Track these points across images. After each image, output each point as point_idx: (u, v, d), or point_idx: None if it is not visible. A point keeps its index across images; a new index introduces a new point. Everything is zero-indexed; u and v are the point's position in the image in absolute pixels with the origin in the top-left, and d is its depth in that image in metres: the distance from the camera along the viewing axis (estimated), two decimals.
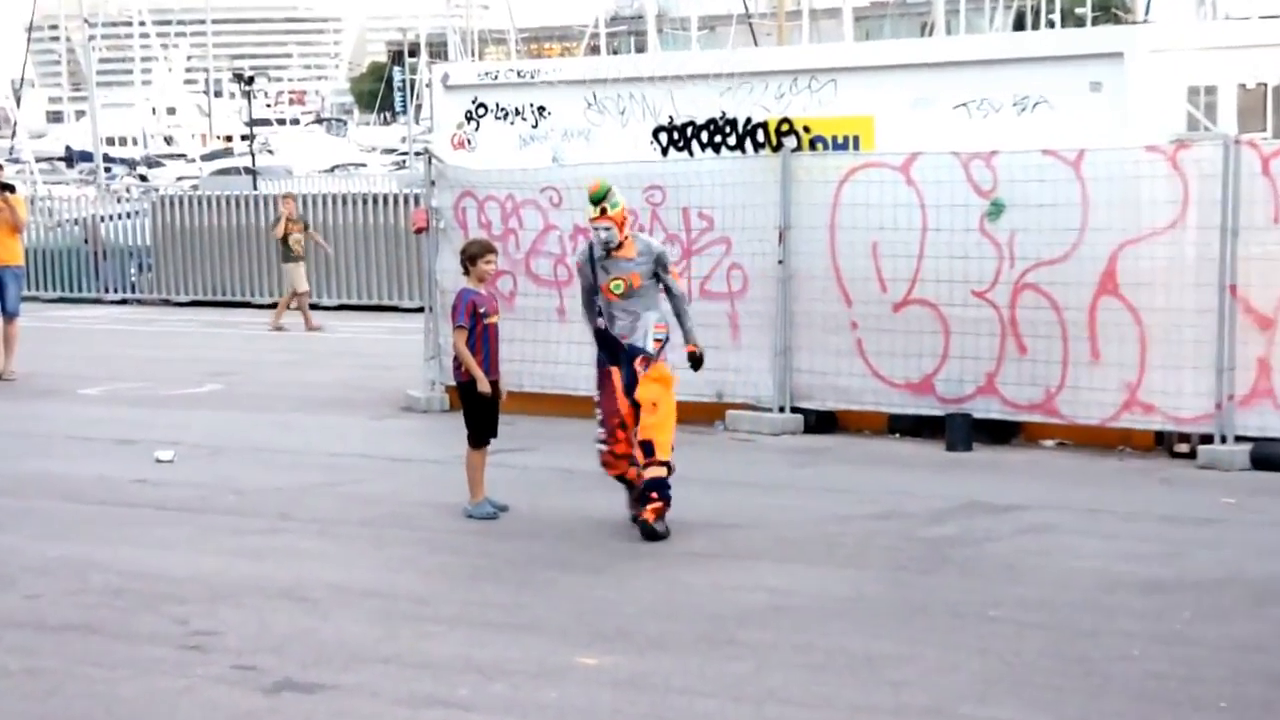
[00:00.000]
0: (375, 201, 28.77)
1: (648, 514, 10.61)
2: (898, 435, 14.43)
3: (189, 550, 10.66)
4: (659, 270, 10.97)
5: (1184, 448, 13.23)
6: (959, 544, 10.52)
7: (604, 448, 11.03)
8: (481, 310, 11.42)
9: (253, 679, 7.89)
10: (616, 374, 10.87)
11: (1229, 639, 8.29)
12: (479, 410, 11.45)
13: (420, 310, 17.59)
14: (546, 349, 15.91)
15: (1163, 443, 13.48)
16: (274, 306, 27.43)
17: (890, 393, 14.38)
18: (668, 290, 11.05)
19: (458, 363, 11.51)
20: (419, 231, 16.98)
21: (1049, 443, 13.95)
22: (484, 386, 11.32)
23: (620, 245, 10.90)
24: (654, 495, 10.62)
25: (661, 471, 10.64)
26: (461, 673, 7.89)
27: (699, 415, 14.69)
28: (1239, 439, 12.94)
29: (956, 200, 13.94)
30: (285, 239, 24.95)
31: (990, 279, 13.85)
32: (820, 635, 8.47)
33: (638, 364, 10.78)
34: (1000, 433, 14.00)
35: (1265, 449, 12.84)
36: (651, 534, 10.56)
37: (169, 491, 12.59)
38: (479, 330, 11.39)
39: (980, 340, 13.91)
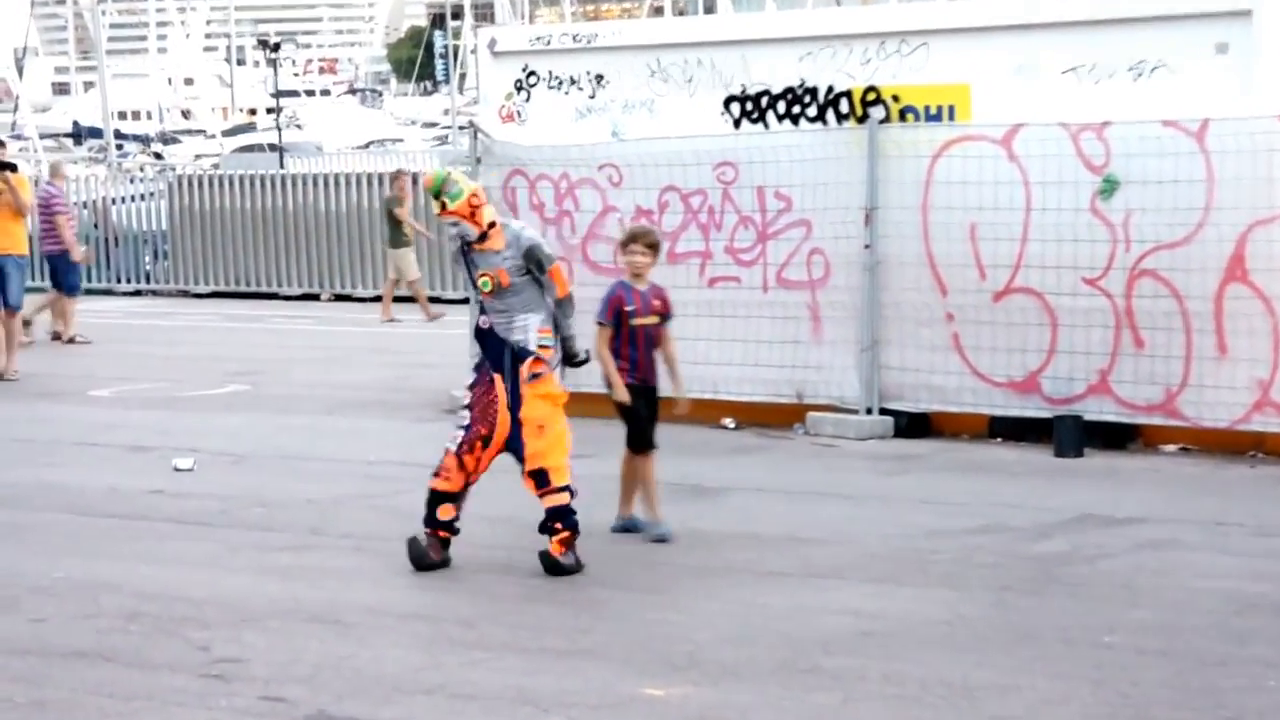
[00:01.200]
0: (415, 181, 28.86)
1: (555, 546, 10.36)
2: (999, 440, 14.40)
3: (210, 569, 10.71)
4: (531, 268, 10.48)
5: None
6: (1069, 562, 10.47)
7: (452, 448, 10.61)
8: (628, 309, 11.14)
9: (282, 711, 7.92)
10: (500, 382, 10.53)
11: None
12: (627, 417, 11.22)
13: (464, 301, 17.64)
14: None
15: None
16: (304, 298, 27.68)
17: (991, 392, 14.34)
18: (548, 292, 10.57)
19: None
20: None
21: (1170, 448, 13.89)
22: (620, 396, 11.05)
23: (483, 238, 10.50)
24: (559, 525, 10.38)
25: (564, 498, 10.39)
26: (513, 705, 7.90)
27: (776, 418, 14.68)
28: None
29: (1065, 177, 13.90)
30: (397, 222, 25.09)
31: (1103, 265, 13.79)
32: (913, 663, 8.44)
33: (524, 375, 10.48)
34: (1115, 437, 13.94)
35: None
36: (558, 568, 10.32)
37: (188, 503, 12.66)
38: (625, 332, 11.12)
39: (1092, 333, 13.86)
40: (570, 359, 10.71)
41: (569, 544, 10.43)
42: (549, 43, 17.44)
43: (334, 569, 10.68)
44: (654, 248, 11.37)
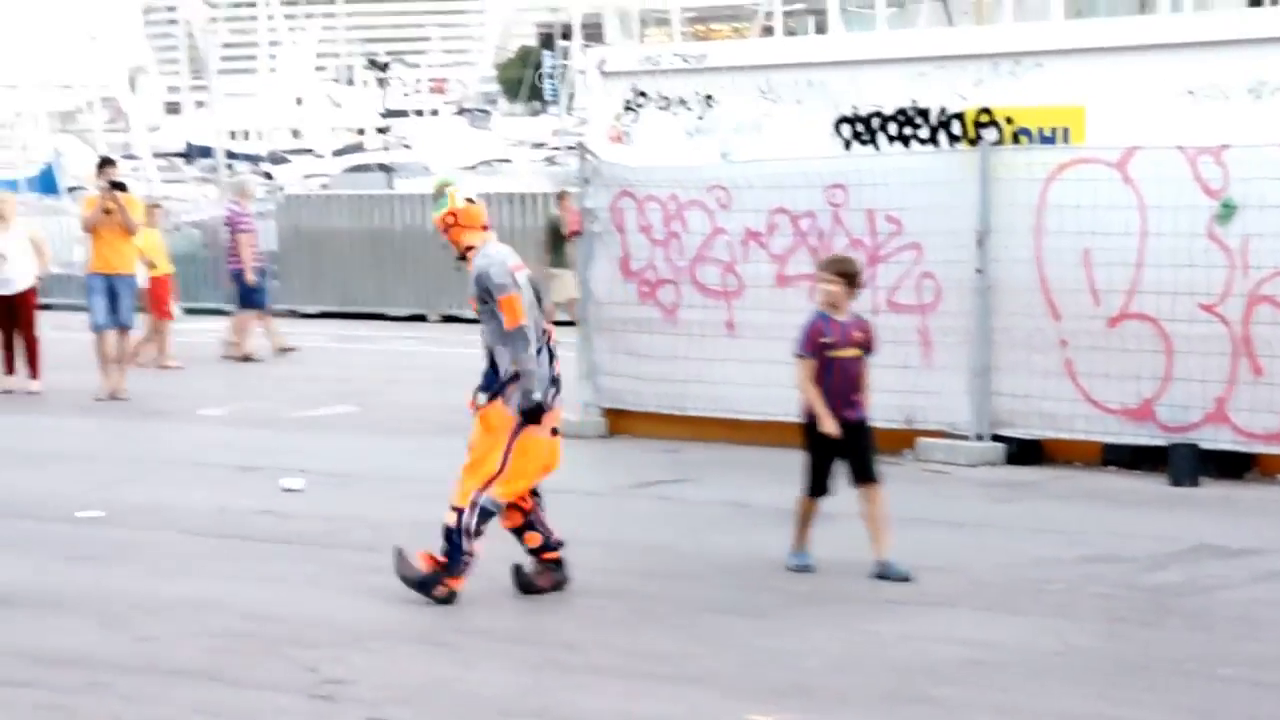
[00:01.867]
0: (523, 201, 29.01)
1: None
2: (1113, 468, 14.30)
3: (318, 589, 10.80)
4: (485, 296, 10.34)
5: None
6: (1184, 593, 10.39)
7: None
8: (827, 340, 10.81)
9: None
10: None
11: None
12: (816, 452, 10.87)
13: (572, 324, 17.70)
14: (712, 368, 15.98)
15: None
16: (412, 319, 27.83)
17: (1105, 419, 14.25)
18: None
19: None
20: (573, 235, 17.10)
21: None
22: (827, 427, 10.69)
23: (462, 259, 10.55)
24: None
25: (450, 517, 10.36)
26: None
27: (886, 443, 14.58)
28: None
29: (1181, 201, 13.80)
30: (560, 242, 24.96)
31: (1220, 290, 13.68)
32: (1024, 694, 8.40)
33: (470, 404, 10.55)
34: (1232, 466, 13.81)
35: None
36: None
37: (296, 524, 12.77)
38: (821, 364, 10.80)
39: (1209, 360, 13.75)
40: (521, 409, 10.30)
41: (434, 564, 10.34)
42: (658, 63, 17.49)
43: None
44: (845, 276, 10.90)
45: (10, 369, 20.76)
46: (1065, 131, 15.06)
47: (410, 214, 29.95)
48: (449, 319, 29.26)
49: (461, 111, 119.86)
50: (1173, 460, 13.78)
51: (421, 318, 29.53)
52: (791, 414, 15.56)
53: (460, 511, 10.36)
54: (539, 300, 10.81)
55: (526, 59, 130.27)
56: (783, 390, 15.48)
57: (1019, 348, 14.58)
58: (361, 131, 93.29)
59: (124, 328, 20.09)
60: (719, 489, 13.84)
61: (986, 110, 15.30)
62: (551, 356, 10.67)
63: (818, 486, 10.91)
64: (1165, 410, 13.97)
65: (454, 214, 10.57)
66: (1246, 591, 10.40)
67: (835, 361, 10.79)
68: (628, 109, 17.45)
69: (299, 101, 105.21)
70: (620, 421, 16.55)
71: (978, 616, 9.91)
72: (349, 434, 17.17)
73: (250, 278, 23.85)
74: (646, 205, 16.39)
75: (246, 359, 23.61)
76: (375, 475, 14.81)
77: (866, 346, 10.94)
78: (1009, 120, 15.20)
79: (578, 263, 17.11)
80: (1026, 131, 15.16)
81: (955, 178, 14.80)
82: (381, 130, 71.15)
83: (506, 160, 71.21)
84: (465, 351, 24.23)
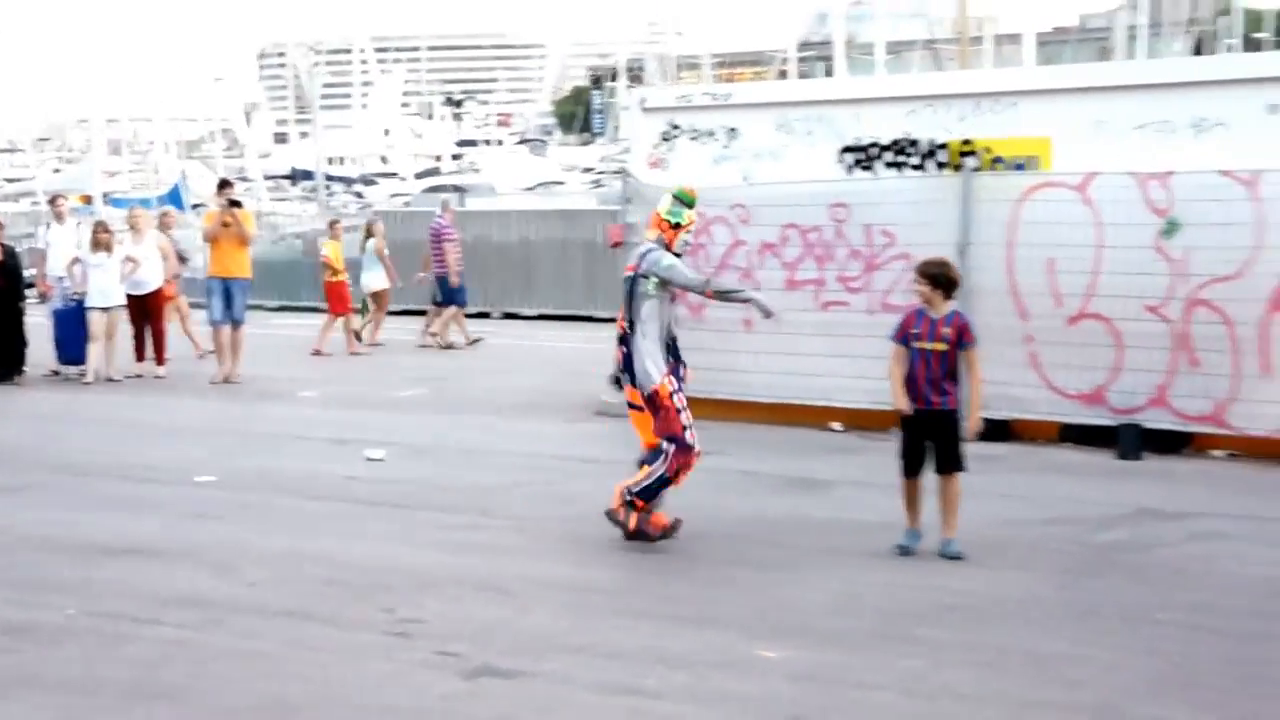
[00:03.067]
0: (574, 217, 29.04)
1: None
2: (1069, 444, 14.26)
3: (396, 543, 10.84)
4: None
5: None
6: (1128, 549, 10.37)
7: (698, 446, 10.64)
8: (913, 331, 10.28)
9: (454, 664, 8.01)
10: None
11: None
12: (905, 434, 10.31)
13: (613, 320, 17.70)
14: (735, 358, 15.96)
15: None
16: (479, 315, 27.82)
17: (1063, 403, 14.22)
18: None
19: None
20: (615, 246, 17.11)
21: (1218, 453, 13.70)
22: (900, 404, 10.17)
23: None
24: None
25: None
26: (649, 663, 7.95)
27: (877, 422, 14.61)
28: None
29: (1132, 219, 13.77)
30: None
31: (1164, 295, 13.64)
32: (992, 634, 8.40)
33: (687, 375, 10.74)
34: (1170, 443, 13.77)
35: None
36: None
37: (378, 488, 12.82)
38: (910, 354, 10.25)
39: (1152, 354, 13.71)
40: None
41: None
42: (691, 101, 17.48)
43: (500, 545, 10.77)
44: (932, 279, 10.25)
45: (141, 357, 20.89)
46: (1035, 160, 15.02)
47: (479, 226, 29.97)
48: (509, 315, 29.32)
49: (523, 141, 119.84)
50: (1120, 438, 13.75)
51: (485, 315, 29.57)
52: (800, 398, 15.62)
53: None
54: (630, 296, 10.80)
55: (579, 97, 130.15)
56: (792, 378, 15.56)
57: (992, 342, 14.46)
58: (439, 158, 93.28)
59: (237, 323, 20.17)
60: (736, 460, 13.85)
61: (968, 141, 15.27)
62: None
63: (909, 467, 10.28)
64: (1115, 396, 13.94)
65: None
66: (1181, 549, 10.37)
67: (921, 353, 10.21)
68: (664, 139, 17.45)
69: (386, 132, 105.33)
70: None
71: (953, 569, 9.89)
72: (424, 413, 17.20)
73: (455, 280, 24.09)
74: None
75: (449, 347, 23.85)
76: (445, 447, 14.84)
77: (957, 343, 10.18)
78: (987, 150, 15.16)
79: (620, 269, 17.07)
80: (1002, 159, 15.12)
81: (941, 198, 14.78)
82: (455, 157, 71.16)
83: (560, 182, 71.13)
84: (524, 344, 24.32)
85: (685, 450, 10.49)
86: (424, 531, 11.20)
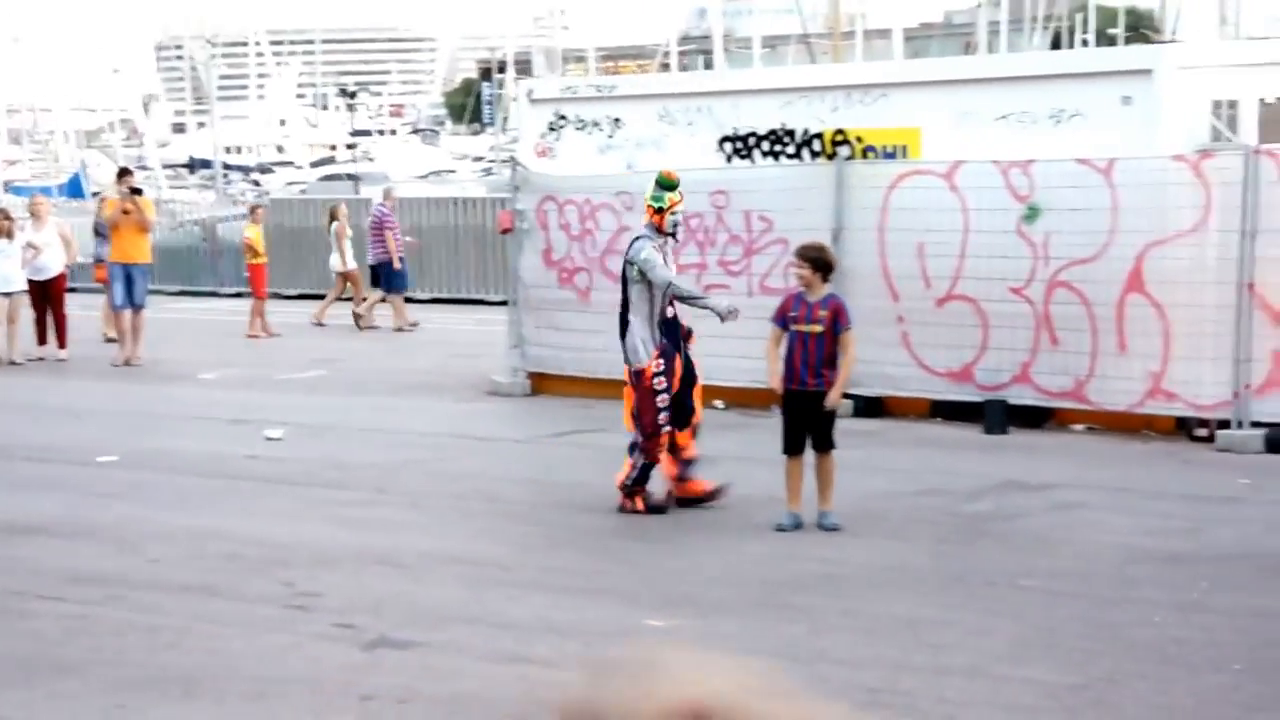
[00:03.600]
0: (465, 204, 28.88)
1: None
2: (939, 419, 14.36)
3: (295, 520, 10.74)
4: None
5: (1203, 432, 13.12)
6: (995, 519, 10.47)
7: (667, 427, 10.68)
8: (791, 314, 10.18)
9: (351, 636, 7.94)
10: (679, 360, 10.77)
11: (1244, 607, 8.22)
12: (785, 415, 10.25)
13: (504, 303, 17.64)
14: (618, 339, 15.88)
15: (1183, 428, 13.37)
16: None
17: (933, 380, 14.31)
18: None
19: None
20: (504, 232, 17.03)
21: (1078, 427, 13.87)
22: (773, 384, 10.17)
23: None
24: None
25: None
26: (540, 633, 7.92)
27: (757, 400, 14.66)
28: (1254, 424, 12.83)
29: (996, 205, 13.85)
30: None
31: (1026, 277, 13.76)
32: (867, 601, 8.45)
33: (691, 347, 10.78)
34: (1033, 418, 13.91)
35: (1278, 434, 12.72)
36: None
37: (278, 467, 12.69)
38: (788, 335, 10.17)
39: (1016, 333, 13.83)
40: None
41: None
42: (576, 92, 17.45)
43: (395, 521, 10.70)
44: (809, 261, 10.17)
45: (43, 340, 20.53)
46: (904, 149, 15.13)
47: (372, 213, 29.67)
48: (407, 300, 29.05)
49: (415, 131, 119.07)
50: (987, 413, 13.86)
51: (382, 299, 29.27)
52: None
53: None
54: (624, 277, 10.88)
55: (469, 89, 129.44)
56: None
57: (866, 323, 14.47)
58: (333, 147, 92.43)
59: (138, 307, 19.86)
60: (622, 437, 13.77)
61: (841, 131, 15.35)
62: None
63: (789, 446, 10.24)
64: (981, 373, 14.05)
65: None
66: (1044, 518, 10.48)
67: (799, 335, 10.12)
68: (551, 129, 17.41)
69: (282, 122, 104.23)
70: (543, 383, 16.50)
71: (830, 539, 9.93)
72: (321, 393, 17.04)
73: (396, 265, 23.94)
74: (565, 208, 16.33)
75: (400, 330, 23.62)
76: (343, 427, 14.70)
77: (833, 325, 10.11)
78: (859, 139, 15.25)
79: (510, 254, 17.02)
80: (873, 148, 15.21)
81: (815, 185, 14.82)
82: (350, 146, 70.48)
83: (452, 171, 70.83)
84: (419, 327, 24.15)
85: (652, 438, 10.55)
86: (322, 508, 11.10)
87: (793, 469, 10.29)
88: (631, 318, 10.65)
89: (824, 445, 10.24)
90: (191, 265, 31.32)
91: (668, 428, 10.59)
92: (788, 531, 10.10)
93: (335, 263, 24.89)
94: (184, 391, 17.35)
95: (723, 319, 10.60)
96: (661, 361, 10.57)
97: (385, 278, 24.13)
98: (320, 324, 24.12)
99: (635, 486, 10.68)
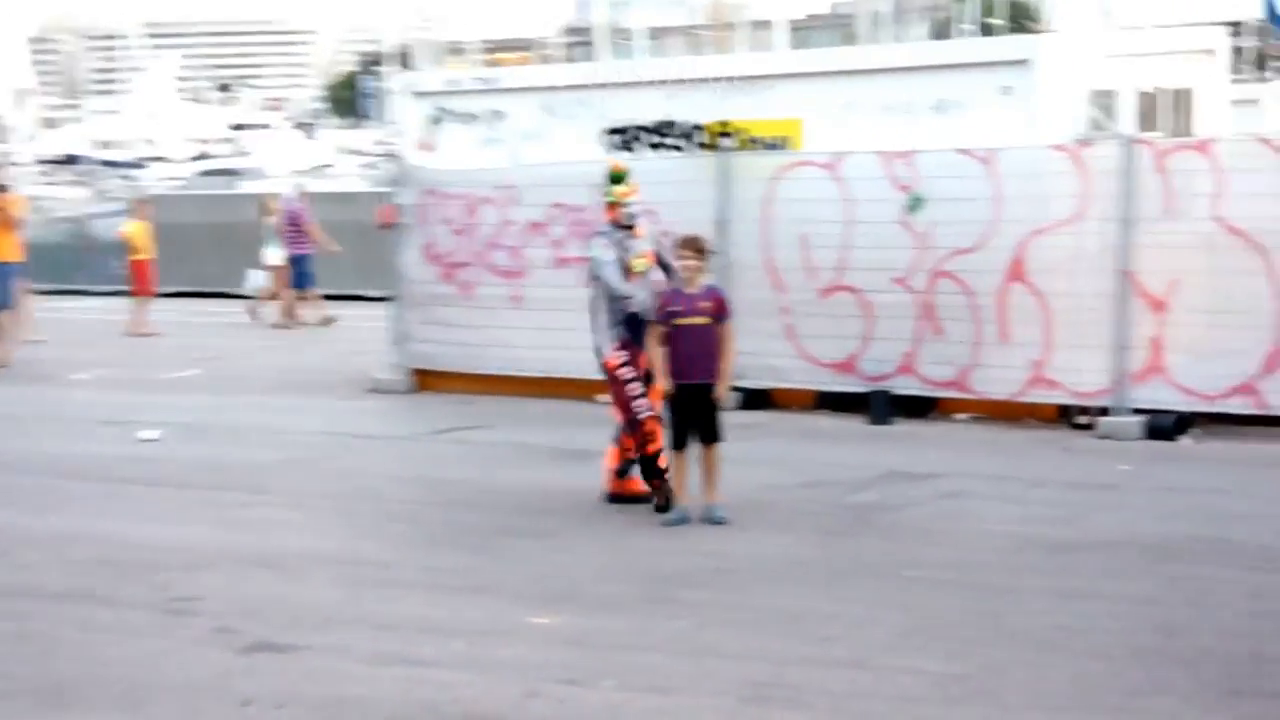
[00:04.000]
0: (345, 199, 28.66)
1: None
2: (825, 411, 14.45)
3: (171, 522, 10.58)
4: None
5: (1084, 420, 13.32)
6: (880, 510, 10.54)
7: (649, 414, 10.28)
8: (672, 309, 10.14)
9: (230, 640, 7.83)
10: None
11: (1125, 594, 8.33)
12: (671, 410, 10.19)
13: (386, 299, 17.52)
14: (504, 334, 15.87)
15: (1065, 415, 13.56)
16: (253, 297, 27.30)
17: (818, 372, 14.40)
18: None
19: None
20: (386, 227, 16.91)
21: (962, 416, 14.01)
22: (661, 384, 10.10)
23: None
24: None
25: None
26: (423, 632, 7.86)
27: None
28: (1134, 411, 13.04)
29: (879, 196, 13.97)
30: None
31: (909, 267, 13.88)
32: (754, 595, 8.46)
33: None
34: (918, 408, 14.05)
35: (1158, 420, 12.96)
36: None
37: (153, 468, 12.49)
38: (671, 330, 10.13)
39: (900, 323, 13.94)
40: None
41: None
42: (458, 85, 17.40)
43: (274, 521, 10.57)
44: (699, 252, 10.17)
45: None
46: (787, 140, 15.20)
47: (250, 209, 29.36)
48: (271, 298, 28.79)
49: (296, 125, 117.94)
50: (872, 404, 13.97)
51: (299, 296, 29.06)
52: (568, 372, 15.57)
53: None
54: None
55: (350, 82, 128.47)
56: (560, 352, 15.50)
57: (750, 315, 14.58)
58: (210, 142, 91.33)
59: (5, 307, 19.49)
60: (507, 433, 13.80)
61: (725, 123, 15.39)
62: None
63: (676, 440, 10.19)
64: (866, 364, 14.15)
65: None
66: (928, 508, 10.56)
67: (682, 329, 10.10)
68: (433, 122, 17.31)
69: (158, 117, 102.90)
70: (426, 380, 16.41)
71: (716, 532, 9.93)
72: (198, 393, 16.82)
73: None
74: (448, 202, 16.23)
75: (325, 323, 23.43)
76: (220, 426, 14.52)
77: (716, 315, 10.14)
78: (743, 131, 15.31)
79: (392, 249, 16.90)
80: (757, 140, 15.26)
81: (700, 177, 14.84)
82: (228, 141, 69.77)
83: (332, 165, 70.21)
84: (303, 323, 23.90)
85: (634, 428, 10.34)
86: (198, 510, 10.95)
87: (679, 463, 10.28)
88: (592, 314, 10.53)
89: (712, 438, 10.24)
90: (64, 263, 30.82)
91: (649, 413, 10.28)
92: (673, 525, 10.09)
93: (272, 257, 24.35)
94: (56, 392, 17.05)
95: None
96: (625, 353, 10.40)
97: (300, 274, 23.82)
98: (284, 325, 23.51)
99: (648, 478, 10.37)
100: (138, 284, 23.56)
